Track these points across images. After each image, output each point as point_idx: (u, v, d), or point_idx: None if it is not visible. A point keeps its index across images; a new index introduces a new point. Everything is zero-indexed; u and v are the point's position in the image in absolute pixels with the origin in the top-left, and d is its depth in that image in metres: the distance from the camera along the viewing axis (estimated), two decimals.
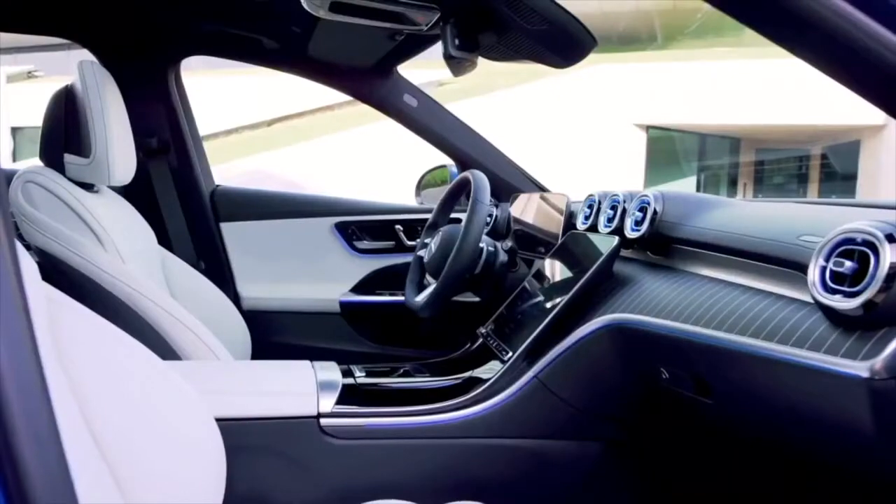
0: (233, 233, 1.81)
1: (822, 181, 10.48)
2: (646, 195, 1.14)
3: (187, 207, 1.75)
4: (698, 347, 0.85)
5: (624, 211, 1.19)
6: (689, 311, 0.90)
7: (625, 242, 1.14)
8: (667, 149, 9.88)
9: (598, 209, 1.29)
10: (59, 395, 0.55)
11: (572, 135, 8.50)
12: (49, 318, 0.62)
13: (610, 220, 1.23)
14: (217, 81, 8.75)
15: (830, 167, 10.43)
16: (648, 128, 9.32)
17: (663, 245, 1.10)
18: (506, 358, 1.10)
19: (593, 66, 9.07)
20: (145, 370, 0.71)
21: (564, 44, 1.14)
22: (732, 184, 10.76)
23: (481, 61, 1.29)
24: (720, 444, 1.02)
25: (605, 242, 1.16)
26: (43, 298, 0.62)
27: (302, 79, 1.76)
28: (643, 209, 1.13)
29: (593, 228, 1.28)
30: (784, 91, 8.63)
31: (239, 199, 1.84)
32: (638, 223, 1.13)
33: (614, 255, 1.12)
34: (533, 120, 8.20)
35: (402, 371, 1.24)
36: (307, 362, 1.12)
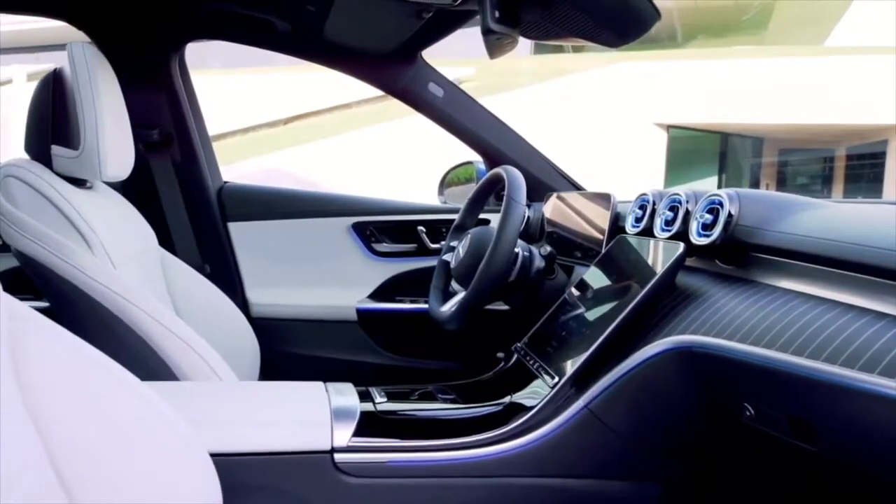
0: (241, 233, 1.71)
1: (846, 182, 10.23)
2: (717, 194, 0.99)
3: (192, 205, 1.64)
4: (801, 383, 0.69)
5: (687, 213, 1.04)
6: (785, 336, 0.74)
7: (688, 249, 0.99)
8: (688, 148, 9.71)
9: (653, 210, 1.16)
10: (13, 424, 0.49)
11: (592, 134, 8.35)
12: (10, 335, 0.54)
13: (669, 222, 1.08)
14: (234, 80, 8.70)
15: (855, 168, 10.19)
16: (669, 127, 9.14)
17: (737, 253, 0.95)
18: (552, 383, 0.97)
19: (613, 65, 8.92)
20: (123, 396, 0.60)
21: (622, 17, 0.98)
22: (754, 184, 10.56)
23: (502, 60, 1.14)
24: (818, 492, 0.86)
25: (664, 249, 1.02)
26: (3, 312, 0.53)
27: (318, 72, 1.64)
28: (712, 210, 0.98)
29: (647, 232, 1.15)
30: (809, 90, 8.41)
31: (248, 196, 1.74)
32: (706, 227, 0.98)
33: (679, 263, 0.97)
34: (552, 119, 8.06)
35: (426, 393, 1.11)
36: (320, 384, 1.00)
